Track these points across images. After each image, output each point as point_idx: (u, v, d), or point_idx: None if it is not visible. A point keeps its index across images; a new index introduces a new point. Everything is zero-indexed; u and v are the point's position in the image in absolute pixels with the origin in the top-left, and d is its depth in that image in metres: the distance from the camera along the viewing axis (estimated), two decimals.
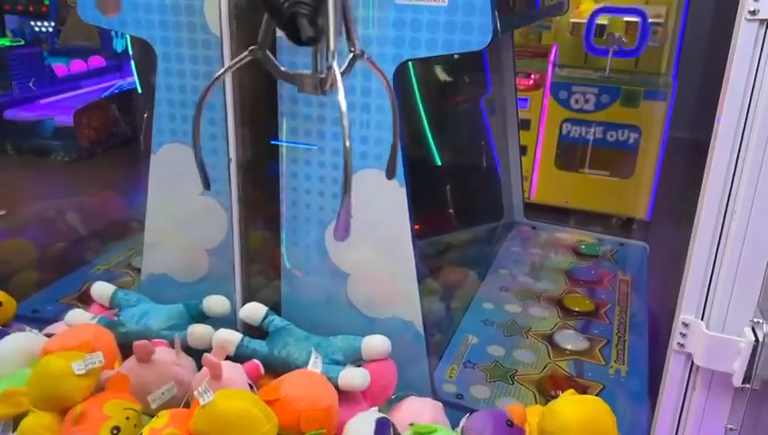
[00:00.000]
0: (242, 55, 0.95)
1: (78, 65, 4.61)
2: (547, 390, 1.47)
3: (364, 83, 1.29)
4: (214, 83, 1.02)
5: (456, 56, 2.25)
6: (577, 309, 1.83)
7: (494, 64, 2.40)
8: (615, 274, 2.06)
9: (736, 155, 0.99)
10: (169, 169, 1.49)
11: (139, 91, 4.05)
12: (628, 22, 3.59)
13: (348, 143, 0.83)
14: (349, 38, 0.88)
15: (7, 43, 4.36)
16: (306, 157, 1.39)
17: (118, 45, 4.87)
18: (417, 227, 1.39)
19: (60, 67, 4.48)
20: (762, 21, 0.93)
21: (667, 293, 1.95)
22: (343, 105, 0.83)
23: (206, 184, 1.13)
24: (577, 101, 3.60)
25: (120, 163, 3.89)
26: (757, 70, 0.96)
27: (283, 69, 0.95)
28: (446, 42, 1.22)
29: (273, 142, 1.41)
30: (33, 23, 4.54)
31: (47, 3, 4.58)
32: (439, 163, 2.36)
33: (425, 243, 2.03)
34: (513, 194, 2.50)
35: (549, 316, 1.79)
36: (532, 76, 3.62)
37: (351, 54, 0.89)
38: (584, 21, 3.59)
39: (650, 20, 3.52)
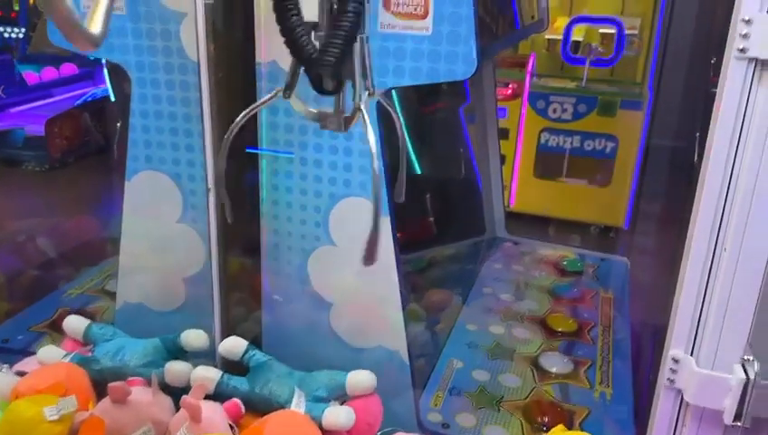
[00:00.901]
0: (270, 95, 0.97)
1: (49, 73, 4.52)
2: (534, 417, 1.46)
3: None
4: (240, 123, 1.01)
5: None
6: (560, 329, 1.82)
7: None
8: (597, 291, 2.07)
9: (725, 193, 0.99)
10: (145, 197, 1.46)
11: (113, 99, 4.01)
12: (603, 33, 3.63)
13: (378, 179, 0.94)
14: (366, 79, 0.91)
15: None
16: (288, 183, 1.37)
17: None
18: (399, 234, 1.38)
19: (30, 75, 4.39)
20: (750, 59, 0.93)
21: (649, 310, 1.97)
22: (374, 147, 0.88)
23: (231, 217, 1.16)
24: (555, 111, 3.62)
25: (92, 173, 3.82)
26: (746, 107, 0.96)
27: (308, 109, 0.97)
28: (431, 71, 1.20)
29: (249, 150, 1.37)
30: (1, 29, 4.45)
31: (17, 8, 4.51)
32: (418, 173, 2.35)
33: (407, 259, 2.01)
34: (494, 206, 2.50)
35: (533, 338, 1.79)
36: (510, 86, 3.64)
37: (367, 93, 0.90)
38: (560, 37, 3.61)
39: (626, 31, 3.56)
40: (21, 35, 4.48)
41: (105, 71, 4.39)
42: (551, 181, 3.71)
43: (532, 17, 2.03)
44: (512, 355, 1.70)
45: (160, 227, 1.46)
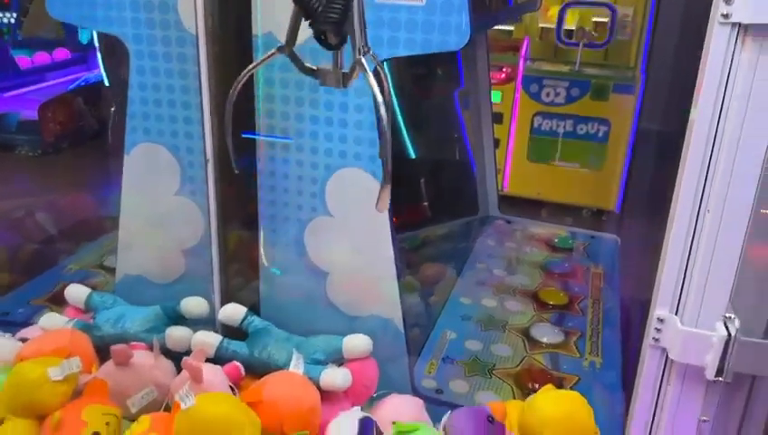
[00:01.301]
0: (270, 52, 1.00)
1: (42, 57, 4.50)
2: (524, 383, 1.49)
3: None
4: (242, 80, 1.03)
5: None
6: (552, 302, 1.85)
7: (467, 58, 2.40)
8: (588, 267, 2.10)
9: (709, 156, 1.02)
10: (143, 169, 1.47)
11: (107, 83, 3.98)
12: (596, 13, 3.63)
13: (388, 132, 0.97)
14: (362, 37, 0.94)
15: None
16: (284, 155, 1.38)
17: (83, 37, 4.77)
18: (394, 219, 1.39)
19: (23, 59, 4.37)
20: (734, 24, 0.95)
21: (638, 285, 2.00)
22: (378, 96, 0.90)
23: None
24: (548, 95, 3.65)
25: (87, 158, 3.83)
26: (729, 72, 0.98)
27: (307, 65, 0.99)
28: (424, 41, 1.22)
29: (244, 135, 1.38)
30: None
31: None
32: (413, 156, 2.36)
33: (402, 237, 2.03)
34: (487, 188, 2.52)
35: (525, 310, 1.82)
36: (504, 69, 3.66)
37: (363, 52, 0.93)
38: (553, 26, 3.62)
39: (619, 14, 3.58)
40: (12, 20, 4.45)
41: (99, 55, 4.36)
42: (544, 165, 3.74)
43: None
44: (504, 326, 1.73)
45: (159, 199, 1.47)
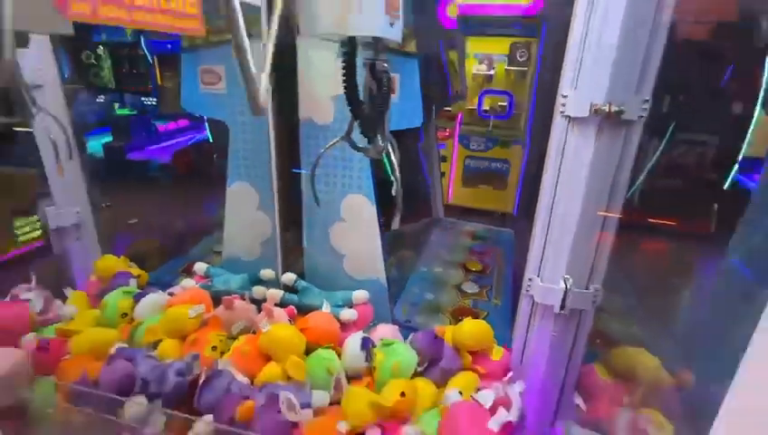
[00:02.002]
0: (337, 139, 0.98)
1: (171, 125, 4.55)
2: (457, 317, 1.49)
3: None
4: (324, 152, 1.02)
5: None
6: (473, 269, 1.85)
7: (424, 127, 2.45)
8: (495, 249, 2.10)
9: (554, 189, 1.05)
10: (238, 196, 1.49)
11: (210, 140, 4.01)
12: (501, 98, 3.69)
13: (400, 189, 1.01)
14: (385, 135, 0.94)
15: (127, 112, 4.30)
16: (318, 184, 1.38)
17: None
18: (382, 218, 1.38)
19: (161, 126, 4.42)
20: (566, 116, 0.96)
21: (521, 260, 2.04)
22: (397, 170, 0.95)
23: (317, 201, 1.18)
24: (474, 145, 3.72)
25: (200, 187, 3.85)
26: (564, 142, 0.99)
27: (359, 146, 0.98)
28: (402, 121, 1.25)
29: (294, 171, 1.40)
30: (144, 99, 4.46)
31: (150, 85, 4.50)
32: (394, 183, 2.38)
33: (386, 233, 2.04)
34: (438, 202, 2.52)
35: (458, 274, 1.82)
36: (448, 130, 3.72)
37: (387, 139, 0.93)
38: (475, 106, 3.68)
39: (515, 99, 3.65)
40: (153, 102, 4.49)
41: (206, 123, 4.40)
42: (471, 188, 3.81)
43: (458, 91, 2.05)
44: (446, 284, 1.73)
45: (246, 213, 1.50)
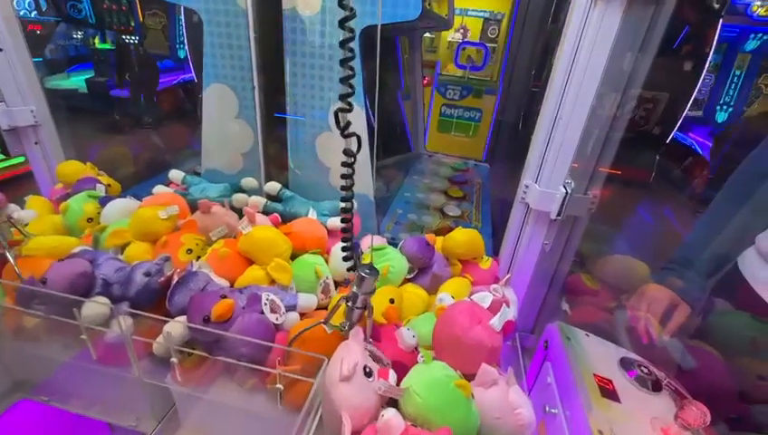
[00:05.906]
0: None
1: None
2: (440, 235, 1.37)
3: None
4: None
5: (388, 61, 2.03)
6: (454, 195, 1.73)
7: (406, 70, 2.17)
8: (474, 178, 1.98)
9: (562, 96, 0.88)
10: (214, 102, 1.23)
11: (195, 81, 3.56)
12: (477, 50, 3.41)
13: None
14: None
15: (108, 47, 3.76)
16: (304, 105, 1.17)
17: (180, 53, 4.24)
18: None
19: None
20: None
21: (495, 188, 1.92)
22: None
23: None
24: (450, 94, 3.45)
25: (185, 125, 3.46)
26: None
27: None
28: (392, 14, 1.01)
29: (277, 115, 1.18)
30: (123, 37, 3.88)
31: (133, 24, 3.91)
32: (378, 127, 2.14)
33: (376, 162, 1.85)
34: (419, 140, 2.33)
35: (440, 199, 1.69)
36: (426, 78, 3.42)
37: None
38: (452, 74, 3.44)
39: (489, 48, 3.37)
40: (136, 40, 3.91)
41: (191, 64, 3.91)
42: (447, 134, 3.59)
43: (446, 15, 1.79)
44: (429, 207, 1.60)
45: (224, 121, 1.25)
